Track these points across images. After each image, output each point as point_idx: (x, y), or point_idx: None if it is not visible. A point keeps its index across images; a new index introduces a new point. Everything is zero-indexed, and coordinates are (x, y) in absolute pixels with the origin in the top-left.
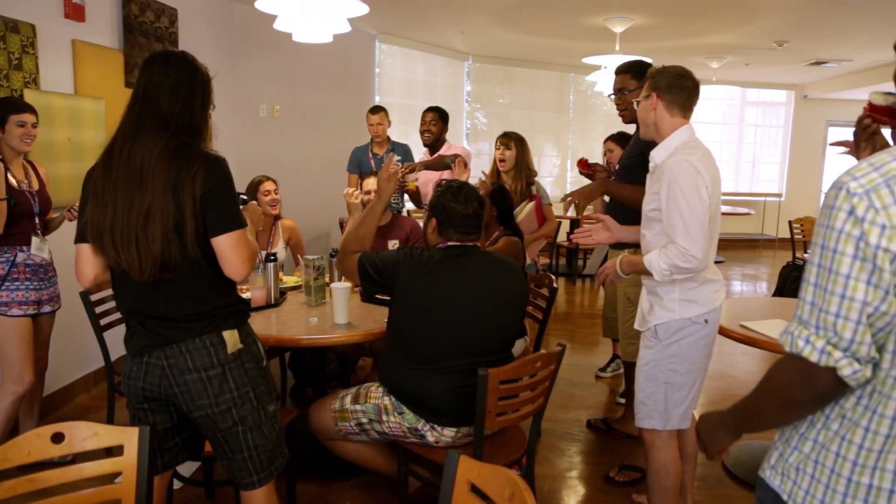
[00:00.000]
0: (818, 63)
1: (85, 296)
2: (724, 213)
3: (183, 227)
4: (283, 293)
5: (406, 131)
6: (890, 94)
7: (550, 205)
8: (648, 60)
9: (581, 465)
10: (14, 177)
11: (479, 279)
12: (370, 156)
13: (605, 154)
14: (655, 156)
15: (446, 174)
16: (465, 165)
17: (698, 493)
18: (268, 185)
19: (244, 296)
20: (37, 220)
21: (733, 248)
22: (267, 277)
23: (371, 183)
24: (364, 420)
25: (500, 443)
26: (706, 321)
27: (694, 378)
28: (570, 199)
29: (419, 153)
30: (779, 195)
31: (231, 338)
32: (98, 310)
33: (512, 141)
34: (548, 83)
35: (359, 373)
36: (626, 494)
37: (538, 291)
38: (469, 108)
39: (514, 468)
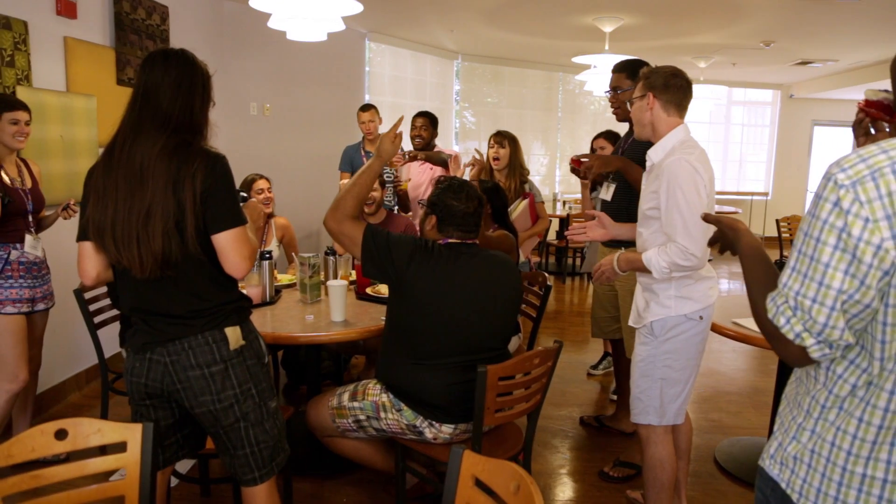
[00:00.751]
0: (804, 63)
1: (79, 293)
2: None
3: (183, 224)
4: (278, 291)
5: None
6: (883, 90)
7: (543, 203)
8: (644, 60)
9: (575, 461)
10: (7, 174)
11: (479, 276)
12: (362, 153)
13: (595, 152)
14: (653, 155)
15: (437, 171)
16: (460, 164)
17: (692, 488)
18: (261, 184)
19: None
20: (30, 218)
21: None
22: (262, 275)
23: None
24: (362, 417)
25: (497, 439)
26: (701, 317)
27: (689, 374)
28: (586, 161)
29: None
30: (765, 194)
31: (233, 334)
32: (91, 308)
33: (506, 139)
34: (536, 82)
35: (351, 371)
36: (621, 490)
37: (531, 289)
38: (458, 107)
39: None
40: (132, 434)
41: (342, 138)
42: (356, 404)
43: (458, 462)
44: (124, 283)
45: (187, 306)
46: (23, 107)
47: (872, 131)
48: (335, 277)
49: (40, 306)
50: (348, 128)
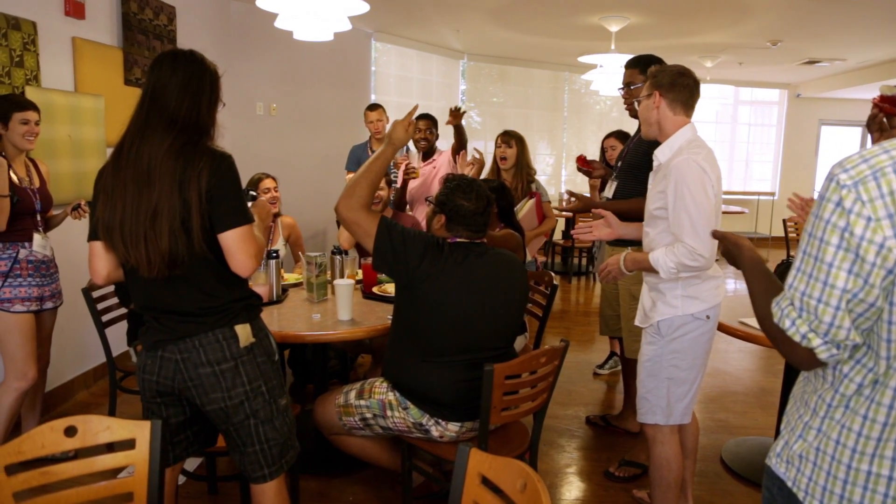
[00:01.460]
0: (811, 62)
1: (87, 292)
2: None
3: (190, 223)
4: (284, 290)
5: None
6: None
7: (550, 202)
8: (658, 56)
9: (581, 461)
10: (16, 174)
11: (487, 275)
12: (369, 153)
13: (605, 151)
14: (660, 154)
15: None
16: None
17: (698, 488)
18: (267, 183)
19: None
20: (38, 218)
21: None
22: (269, 274)
23: None
24: (368, 415)
25: (503, 438)
26: (708, 317)
27: (695, 373)
28: (570, 195)
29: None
30: (772, 194)
31: (243, 332)
32: (99, 306)
33: (513, 139)
34: (542, 82)
35: (357, 370)
36: (627, 490)
37: (538, 289)
38: (464, 106)
39: None
40: (141, 431)
41: (348, 138)
42: (363, 402)
43: (465, 460)
44: (135, 282)
45: (197, 303)
46: (33, 107)
47: (888, 127)
48: (342, 276)
49: (49, 305)
50: (354, 127)
